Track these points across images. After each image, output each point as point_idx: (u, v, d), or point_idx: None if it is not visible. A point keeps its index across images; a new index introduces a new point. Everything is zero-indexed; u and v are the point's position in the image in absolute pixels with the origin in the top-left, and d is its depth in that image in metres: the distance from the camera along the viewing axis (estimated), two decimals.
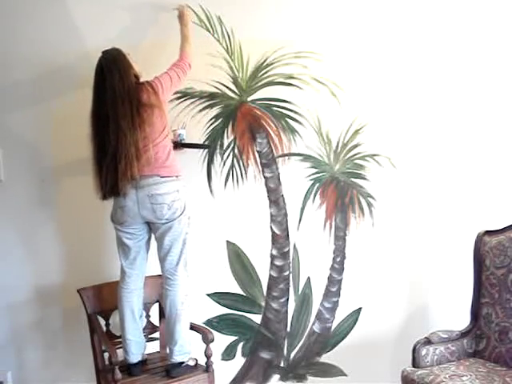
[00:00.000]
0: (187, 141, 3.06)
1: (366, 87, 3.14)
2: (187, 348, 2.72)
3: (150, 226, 2.71)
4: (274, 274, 3.23)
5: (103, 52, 2.64)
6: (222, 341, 3.20)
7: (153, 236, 2.76)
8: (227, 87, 3.15)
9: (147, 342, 2.88)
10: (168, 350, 2.77)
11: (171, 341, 2.71)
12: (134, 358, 2.74)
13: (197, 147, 3.08)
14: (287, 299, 3.23)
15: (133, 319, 2.73)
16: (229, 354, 3.25)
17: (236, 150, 3.18)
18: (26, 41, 3.10)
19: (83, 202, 3.12)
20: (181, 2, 3.05)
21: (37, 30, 3.09)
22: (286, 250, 3.22)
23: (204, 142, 3.14)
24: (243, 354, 3.26)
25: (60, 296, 3.19)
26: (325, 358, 3.26)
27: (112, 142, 2.52)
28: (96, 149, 2.60)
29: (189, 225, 2.73)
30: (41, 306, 3.21)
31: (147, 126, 2.57)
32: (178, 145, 2.97)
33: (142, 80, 2.69)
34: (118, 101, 2.52)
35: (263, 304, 3.23)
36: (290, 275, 3.23)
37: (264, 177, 3.19)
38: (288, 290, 3.23)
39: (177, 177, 2.67)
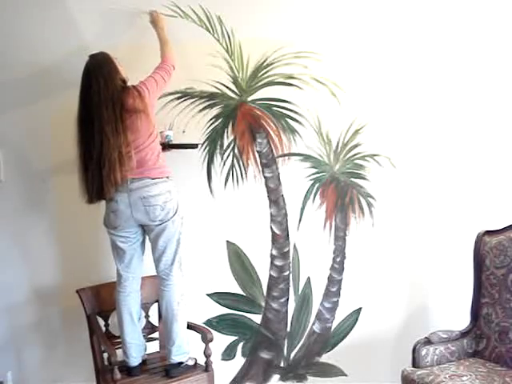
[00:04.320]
0: (185, 140, 3.06)
1: (366, 87, 3.14)
2: (185, 348, 2.72)
3: (144, 229, 2.71)
4: (274, 273, 3.23)
5: (90, 56, 2.64)
6: (221, 341, 3.20)
7: (147, 237, 2.76)
8: (227, 87, 3.15)
9: (147, 342, 2.88)
10: (166, 351, 2.77)
11: (169, 341, 2.71)
12: (135, 361, 2.74)
13: (185, 147, 3.07)
14: (287, 299, 3.23)
15: (131, 322, 2.73)
16: (229, 354, 3.25)
17: (236, 150, 3.18)
18: (24, 42, 3.09)
19: (83, 202, 3.12)
20: (181, 2, 3.07)
21: (35, 31, 3.09)
22: (286, 250, 3.22)
23: (204, 141, 3.14)
24: (243, 354, 3.26)
25: (59, 296, 3.18)
26: (325, 358, 3.26)
27: (96, 146, 2.53)
28: (82, 152, 2.61)
29: (182, 225, 2.73)
30: (40, 307, 3.20)
31: (131, 131, 2.57)
32: (166, 146, 2.96)
33: (128, 84, 2.68)
34: (102, 105, 2.52)
35: (263, 304, 3.23)
36: (290, 275, 3.23)
37: (264, 177, 3.19)
38: (288, 289, 3.23)
39: (167, 178, 2.67)
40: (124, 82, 2.65)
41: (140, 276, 2.78)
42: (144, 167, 2.61)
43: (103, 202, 2.69)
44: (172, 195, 2.65)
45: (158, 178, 2.63)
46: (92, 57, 2.64)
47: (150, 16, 2.97)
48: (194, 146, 3.11)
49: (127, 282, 2.73)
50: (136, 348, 2.74)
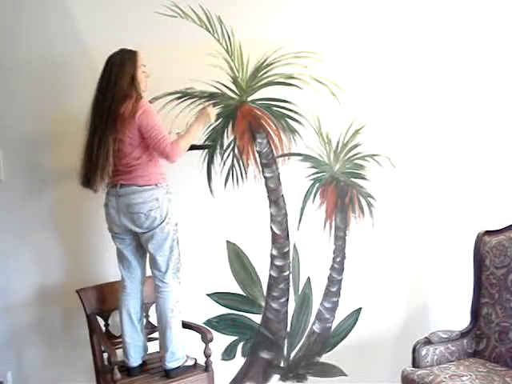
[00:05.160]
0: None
1: (366, 87, 3.13)
2: (179, 354, 2.70)
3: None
4: (274, 273, 3.22)
5: (120, 49, 2.64)
6: (221, 341, 3.20)
7: None
8: (227, 87, 3.15)
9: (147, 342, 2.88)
10: (161, 355, 2.74)
11: (163, 347, 2.70)
12: (134, 361, 2.74)
13: (199, 148, 3.07)
14: (287, 299, 3.23)
15: (130, 322, 2.73)
16: (229, 354, 3.25)
17: (236, 150, 3.18)
18: (25, 41, 3.10)
19: (83, 202, 3.12)
20: (181, 1, 3.07)
21: (36, 30, 3.09)
22: (286, 250, 3.22)
23: (204, 142, 3.14)
24: (243, 354, 3.26)
25: (60, 296, 3.18)
26: (325, 358, 3.26)
27: (93, 135, 2.56)
28: (88, 132, 2.62)
29: (176, 231, 2.68)
30: (41, 306, 3.21)
31: (114, 139, 2.55)
32: None
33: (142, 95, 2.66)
34: (105, 99, 2.55)
35: (263, 304, 3.23)
36: (290, 275, 3.22)
37: (264, 177, 3.19)
38: (288, 289, 3.23)
39: (156, 185, 2.62)
40: (135, 89, 2.60)
41: (141, 278, 2.77)
42: (132, 174, 2.59)
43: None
44: (159, 203, 2.60)
45: (146, 186, 2.59)
46: (121, 51, 2.64)
47: (200, 109, 2.81)
48: (208, 147, 3.11)
49: (127, 283, 2.73)
50: (135, 348, 2.74)
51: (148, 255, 2.73)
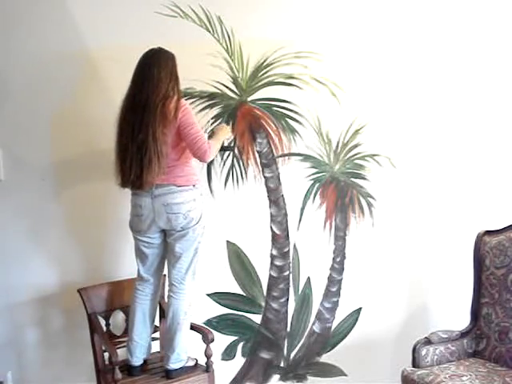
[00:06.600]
0: None
1: (366, 87, 3.13)
2: (183, 356, 2.70)
3: (165, 232, 2.68)
4: (274, 273, 3.23)
5: (159, 47, 2.62)
6: (221, 341, 3.20)
7: None
8: (227, 87, 3.15)
9: None
10: (165, 356, 2.74)
11: (169, 348, 2.69)
12: (137, 360, 2.74)
13: (223, 150, 3.07)
14: (287, 299, 3.23)
15: (143, 322, 2.72)
16: (229, 353, 3.25)
17: (236, 150, 3.18)
18: (25, 41, 3.09)
19: (84, 201, 3.12)
20: (181, 1, 3.06)
21: (35, 31, 3.08)
22: (286, 250, 3.22)
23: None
24: (243, 354, 3.26)
25: (60, 296, 3.18)
26: (325, 358, 3.26)
27: (142, 131, 2.47)
28: (121, 133, 2.55)
29: (203, 234, 2.69)
30: (41, 306, 3.20)
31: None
32: None
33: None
34: (152, 93, 2.49)
35: (263, 304, 3.23)
36: (290, 275, 3.23)
37: (264, 177, 3.19)
38: (288, 289, 3.23)
39: (194, 186, 2.63)
40: (177, 90, 2.59)
41: (161, 280, 2.78)
42: (170, 174, 2.57)
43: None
44: (196, 204, 2.61)
45: (184, 186, 2.59)
46: (161, 49, 2.62)
47: (221, 126, 2.92)
48: (230, 149, 3.12)
49: (147, 283, 2.72)
50: (141, 348, 2.73)
51: (169, 255, 2.69)
